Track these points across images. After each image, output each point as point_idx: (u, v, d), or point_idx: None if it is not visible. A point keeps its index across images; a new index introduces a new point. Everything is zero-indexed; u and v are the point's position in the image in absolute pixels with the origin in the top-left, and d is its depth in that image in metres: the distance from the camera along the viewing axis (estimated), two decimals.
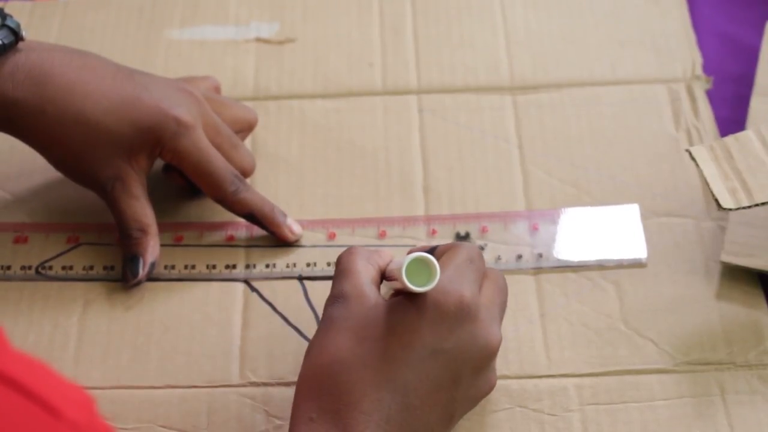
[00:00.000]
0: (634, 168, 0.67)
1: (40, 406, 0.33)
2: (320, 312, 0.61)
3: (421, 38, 0.75)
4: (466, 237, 0.64)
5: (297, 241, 0.64)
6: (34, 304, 0.62)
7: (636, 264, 0.63)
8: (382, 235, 0.65)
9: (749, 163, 0.59)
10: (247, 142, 0.69)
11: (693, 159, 0.59)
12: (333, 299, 0.53)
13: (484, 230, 0.64)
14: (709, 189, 0.58)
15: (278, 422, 0.57)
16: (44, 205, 0.67)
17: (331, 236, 0.64)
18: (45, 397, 0.33)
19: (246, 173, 0.65)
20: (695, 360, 0.59)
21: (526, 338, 0.60)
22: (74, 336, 0.61)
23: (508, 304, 0.60)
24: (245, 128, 0.67)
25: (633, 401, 0.57)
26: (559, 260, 0.63)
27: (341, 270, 0.54)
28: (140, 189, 0.62)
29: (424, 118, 0.70)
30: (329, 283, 0.62)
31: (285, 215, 0.64)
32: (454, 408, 0.52)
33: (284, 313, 0.61)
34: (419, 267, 0.49)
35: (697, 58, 0.72)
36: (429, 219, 0.65)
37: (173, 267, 0.63)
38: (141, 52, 0.75)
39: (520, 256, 0.63)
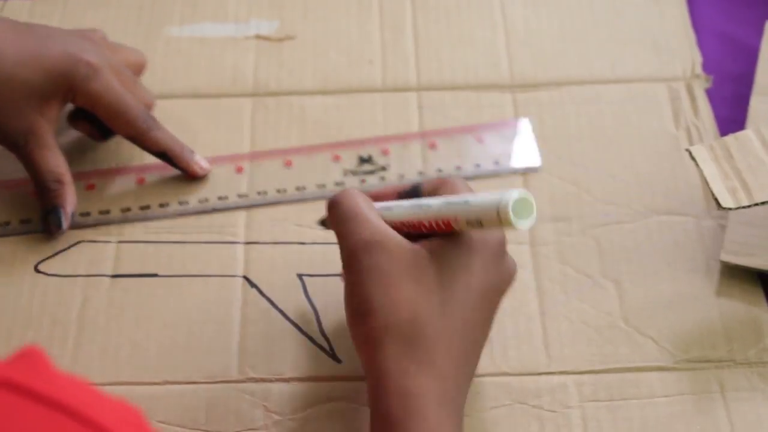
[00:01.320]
0: (633, 166, 0.67)
1: (90, 428, 0.32)
2: (320, 309, 0.61)
3: (421, 35, 0.75)
4: (368, 159, 0.66)
5: (206, 176, 0.66)
6: (33, 300, 0.62)
7: (531, 171, 0.66)
8: (288, 164, 0.67)
9: (749, 163, 0.59)
10: (246, 136, 0.69)
11: (693, 158, 0.59)
12: (365, 247, 0.51)
13: (385, 152, 0.67)
14: (709, 188, 0.58)
15: (277, 418, 0.57)
16: None
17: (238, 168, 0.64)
18: (98, 420, 0.33)
19: (149, 109, 0.67)
20: (695, 357, 0.59)
21: (525, 335, 0.60)
22: (73, 332, 0.60)
23: (507, 302, 0.61)
24: (137, 70, 0.69)
25: (633, 398, 0.57)
26: (457, 172, 0.66)
27: (351, 213, 0.53)
28: (52, 139, 0.63)
29: (424, 116, 0.70)
30: (328, 279, 0.62)
31: (193, 152, 0.66)
32: (487, 333, 0.54)
33: (284, 308, 0.61)
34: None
35: (697, 57, 0.72)
36: (332, 146, 0.68)
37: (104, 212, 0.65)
38: (141, 49, 0.74)
39: (421, 173, 0.67)
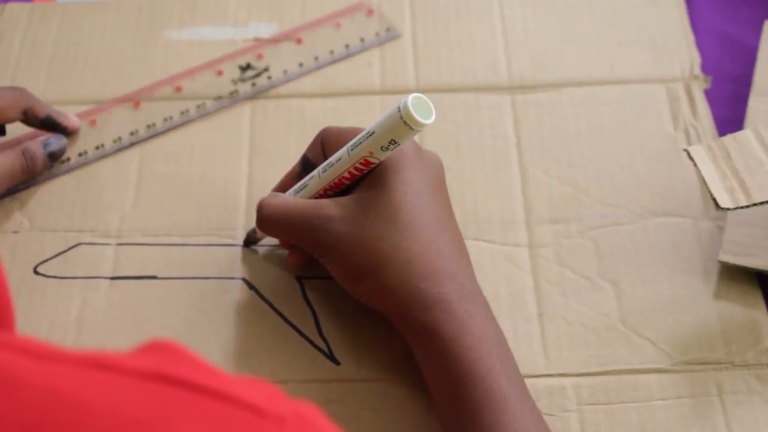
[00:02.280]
0: (632, 167, 0.67)
1: (246, 410, 0.33)
2: (318, 311, 0.61)
3: (420, 38, 0.75)
4: (248, 66, 0.71)
5: (78, 128, 0.69)
6: (32, 301, 0.62)
7: (392, 38, 0.74)
8: (178, 90, 0.72)
9: (747, 163, 0.59)
10: (245, 142, 0.69)
11: (691, 158, 0.59)
12: (318, 228, 0.55)
13: (260, 57, 0.73)
14: (708, 189, 0.58)
15: None
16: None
17: None
18: (246, 399, 0.33)
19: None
20: (693, 360, 0.59)
21: (524, 337, 0.60)
22: (72, 334, 0.61)
23: (505, 304, 0.61)
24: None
25: (631, 401, 0.57)
26: (331, 57, 0.73)
27: (283, 215, 0.57)
28: None
29: None
30: (327, 282, 0.62)
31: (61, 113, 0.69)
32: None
33: (282, 311, 0.61)
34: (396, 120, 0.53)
35: (696, 58, 0.72)
36: (210, 65, 0.73)
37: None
38: (140, 52, 0.75)
39: (301, 64, 0.73)
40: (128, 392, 0.32)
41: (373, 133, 0.54)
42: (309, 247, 0.57)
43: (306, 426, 0.34)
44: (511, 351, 0.54)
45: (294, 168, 0.62)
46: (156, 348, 0.35)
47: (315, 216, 0.56)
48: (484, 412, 0.50)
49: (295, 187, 0.59)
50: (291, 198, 0.59)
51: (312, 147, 0.60)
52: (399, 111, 0.52)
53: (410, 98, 0.52)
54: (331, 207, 0.56)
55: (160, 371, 0.33)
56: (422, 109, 0.53)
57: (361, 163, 0.55)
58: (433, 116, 0.53)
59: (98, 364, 0.33)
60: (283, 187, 0.61)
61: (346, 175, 0.56)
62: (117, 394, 0.32)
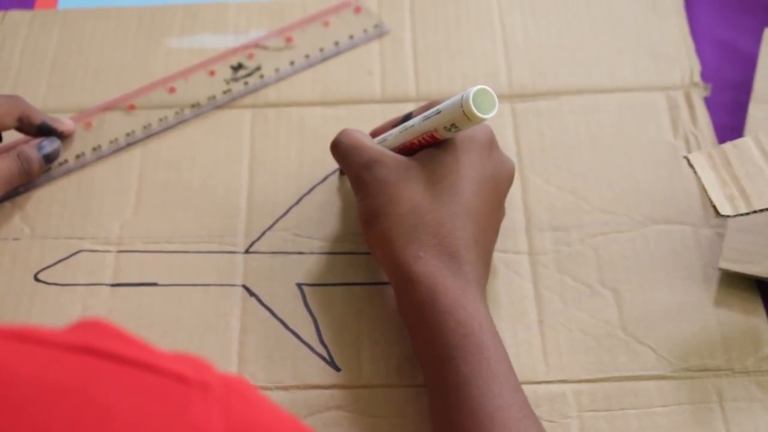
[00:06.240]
0: (632, 175, 0.67)
1: (170, 378, 0.34)
2: (319, 318, 0.61)
3: (420, 46, 0.75)
4: (240, 66, 0.73)
5: (73, 131, 0.70)
6: (32, 308, 0.62)
7: (382, 34, 0.75)
8: (172, 90, 0.72)
9: (747, 170, 0.59)
10: (246, 150, 0.69)
11: (691, 166, 0.59)
12: (366, 166, 0.58)
13: (251, 56, 0.74)
14: (708, 196, 0.58)
15: None
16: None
17: None
18: (174, 369, 0.34)
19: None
20: (693, 366, 0.59)
21: (524, 344, 0.60)
22: None
23: (506, 311, 0.61)
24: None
25: (631, 408, 0.57)
26: (322, 54, 0.74)
27: (351, 146, 0.60)
28: None
29: None
30: (327, 289, 0.62)
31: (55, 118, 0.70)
32: (498, 228, 0.60)
33: (283, 317, 0.61)
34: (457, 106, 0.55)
35: (696, 66, 0.73)
36: (203, 65, 0.74)
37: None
38: (140, 60, 0.75)
39: (292, 62, 0.73)
40: (52, 362, 0.33)
41: (439, 111, 0.56)
42: (351, 180, 0.60)
43: (233, 394, 0.35)
44: (497, 332, 0.55)
45: (397, 117, 0.65)
46: (85, 325, 0.36)
47: (368, 156, 0.59)
48: (470, 386, 0.51)
49: (380, 136, 0.62)
50: (366, 138, 0.61)
51: (421, 108, 0.62)
52: (461, 100, 0.54)
53: (473, 91, 0.54)
54: (386, 156, 0.59)
55: (86, 344, 0.33)
56: (486, 101, 0.55)
57: (428, 136, 0.58)
58: (495, 111, 0.55)
59: (23, 337, 0.33)
60: (379, 130, 0.65)
61: (415, 141, 0.59)
62: (41, 364, 0.32)
